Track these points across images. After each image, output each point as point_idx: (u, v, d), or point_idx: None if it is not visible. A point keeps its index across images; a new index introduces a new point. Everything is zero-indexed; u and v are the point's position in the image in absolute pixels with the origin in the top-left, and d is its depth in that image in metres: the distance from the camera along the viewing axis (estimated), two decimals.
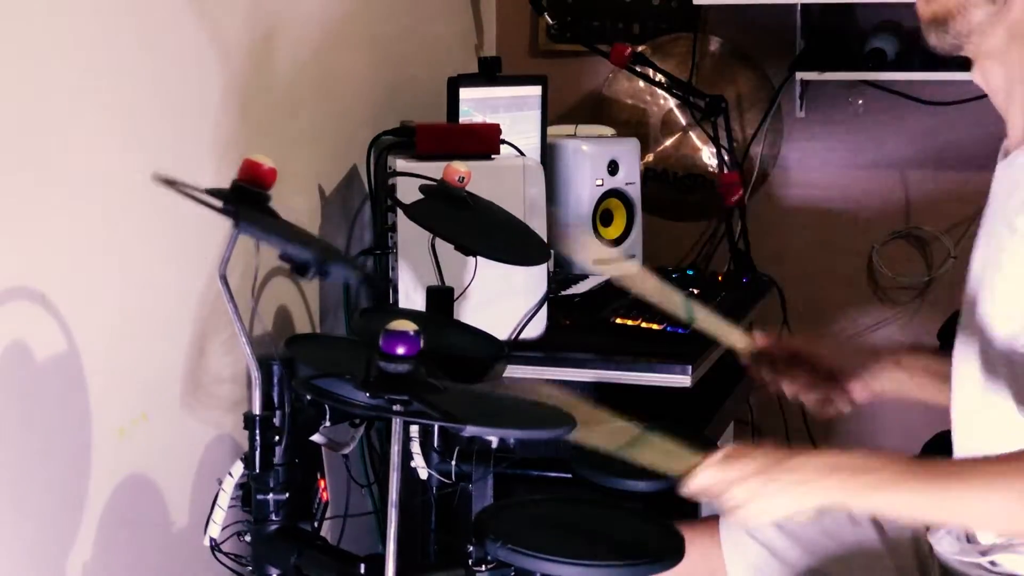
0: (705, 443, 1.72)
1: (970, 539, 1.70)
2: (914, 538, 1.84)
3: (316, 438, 1.90)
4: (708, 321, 1.96)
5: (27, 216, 1.73)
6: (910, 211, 3.32)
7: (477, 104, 2.68)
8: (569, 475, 1.98)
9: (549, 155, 2.83)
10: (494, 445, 1.98)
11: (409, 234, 2.27)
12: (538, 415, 1.64)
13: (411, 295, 2.33)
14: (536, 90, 2.85)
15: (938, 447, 2.44)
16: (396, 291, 2.38)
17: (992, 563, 1.69)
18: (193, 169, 1.76)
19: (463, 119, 2.63)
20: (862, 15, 3.20)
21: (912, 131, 3.26)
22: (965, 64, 1.73)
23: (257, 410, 1.77)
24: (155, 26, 1.99)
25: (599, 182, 2.85)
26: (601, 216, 2.87)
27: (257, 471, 1.77)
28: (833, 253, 3.36)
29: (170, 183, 1.61)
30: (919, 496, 1.50)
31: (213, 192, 1.65)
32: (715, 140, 3.09)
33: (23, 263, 1.74)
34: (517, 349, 2.34)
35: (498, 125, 2.49)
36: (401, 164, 2.36)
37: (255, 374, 1.76)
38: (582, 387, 2.39)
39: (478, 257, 2.12)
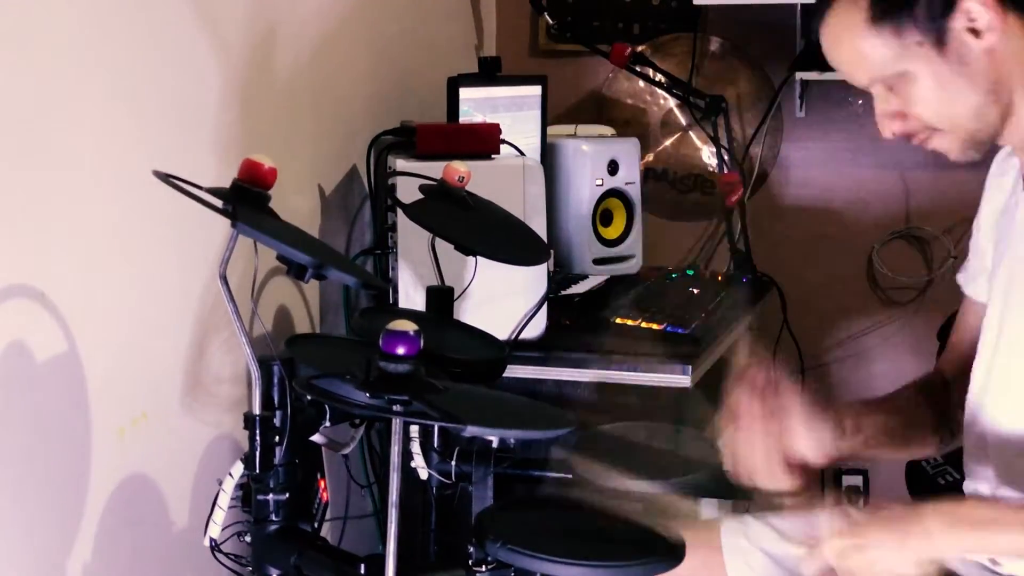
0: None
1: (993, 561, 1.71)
2: None
3: (316, 438, 1.90)
4: None
5: (28, 216, 1.73)
6: (910, 211, 3.32)
7: (477, 104, 2.68)
8: (569, 475, 1.98)
9: (549, 155, 2.83)
10: (494, 445, 1.98)
11: (409, 234, 2.27)
12: (538, 415, 1.64)
13: (411, 295, 2.33)
14: (536, 90, 2.85)
15: None
16: (396, 291, 2.38)
17: (993, 560, 1.69)
18: (194, 169, 1.76)
19: (463, 119, 2.63)
20: None
21: None
22: None
23: (257, 410, 1.77)
24: (155, 26, 1.99)
25: (599, 182, 2.85)
26: (601, 216, 2.87)
27: (257, 471, 1.77)
28: (833, 253, 3.36)
29: (170, 181, 1.61)
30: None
31: (213, 191, 1.65)
32: (715, 140, 3.09)
33: (23, 263, 1.73)
34: (517, 349, 2.34)
35: (498, 125, 2.49)
36: (401, 164, 2.36)
37: (255, 374, 1.76)
38: (582, 387, 2.39)
39: (478, 257, 2.12)
